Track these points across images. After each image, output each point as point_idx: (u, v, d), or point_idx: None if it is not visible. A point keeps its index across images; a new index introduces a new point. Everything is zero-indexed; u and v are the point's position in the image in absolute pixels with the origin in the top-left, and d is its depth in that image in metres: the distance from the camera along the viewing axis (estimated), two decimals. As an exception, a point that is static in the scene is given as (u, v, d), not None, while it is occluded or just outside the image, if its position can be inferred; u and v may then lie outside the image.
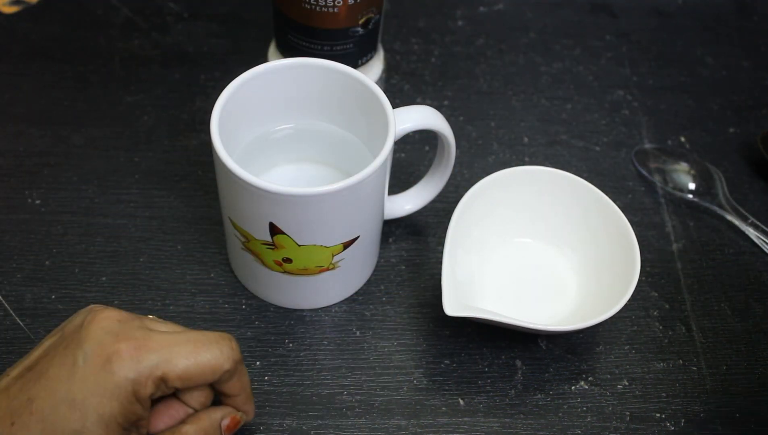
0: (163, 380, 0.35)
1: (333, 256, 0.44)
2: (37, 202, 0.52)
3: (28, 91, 0.59)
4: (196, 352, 0.35)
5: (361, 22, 0.51)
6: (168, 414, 0.37)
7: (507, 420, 0.45)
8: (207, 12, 0.66)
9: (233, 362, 0.37)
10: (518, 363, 0.47)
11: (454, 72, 0.64)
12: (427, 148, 0.58)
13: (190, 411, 0.38)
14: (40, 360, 0.35)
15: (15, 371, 0.35)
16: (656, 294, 0.51)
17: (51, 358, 0.34)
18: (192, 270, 0.50)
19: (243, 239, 0.44)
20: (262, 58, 0.59)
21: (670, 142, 0.61)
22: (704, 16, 0.71)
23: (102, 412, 0.33)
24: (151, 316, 0.39)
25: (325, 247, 0.43)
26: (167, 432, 0.37)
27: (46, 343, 0.36)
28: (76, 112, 0.58)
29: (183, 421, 0.37)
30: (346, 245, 0.44)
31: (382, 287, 0.50)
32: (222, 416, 0.38)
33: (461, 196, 0.48)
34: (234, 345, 0.37)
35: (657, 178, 0.57)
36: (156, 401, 0.37)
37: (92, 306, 0.37)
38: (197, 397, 0.38)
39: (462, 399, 0.45)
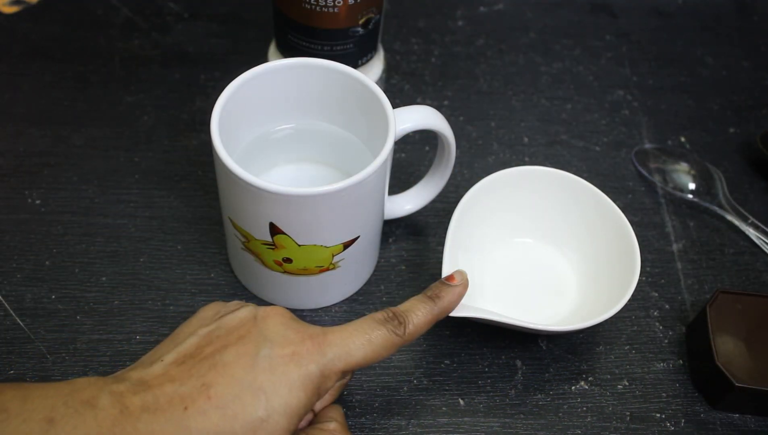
0: (343, 371, 0.36)
1: (333, 256, 0.44)
2: (37, 202, 0.52)
3: (28, 91, 0.59)
4: (368, 339, 0.37)
5: (361, 22, 0.51)
6: None
7: (507, 420, 0.45)
8: (207, 12, 0.66)
9: (404, 340, 0.38)
10: (518, 363, 0.47)
11: (454, 72, 0.64)
12: (427, 148, 0.58)
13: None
14: (204, 348, 0.35)
15: (170, 357, 0.35)
16: (656, 294, 0.51)
17: (223, 347, 0.35)
18: (192, 270, 0.50)
19: (243, 239, 0.44)
20: (262, 58, 0.59)
21: (670, 142, 0.61)
22: (704, 16, 0.71)
23: (290, 402, 0.34)
24: None
25: (325, 247, 0.43)
26: (314, 430, 0.38)
27: (200, 331, 0.36)
28: (76, 112, 0.58)
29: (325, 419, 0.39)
30: (346, 245, 0.44)
31: (382, 287, 0.50)
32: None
33: (461, 196, 0.48)
34: (398, 323, 0.38)
35: (657, 178, 0.57)
36: None
37: (239, 302, 0.39)
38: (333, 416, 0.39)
39: (462, 399, 0.45)
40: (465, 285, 0.41)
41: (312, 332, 0.36)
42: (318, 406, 0.39)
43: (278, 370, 0.34)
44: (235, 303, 0.39)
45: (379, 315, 0.38)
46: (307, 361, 0.35)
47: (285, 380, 0.34)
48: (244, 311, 0.37)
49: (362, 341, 0.36)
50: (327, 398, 0.39)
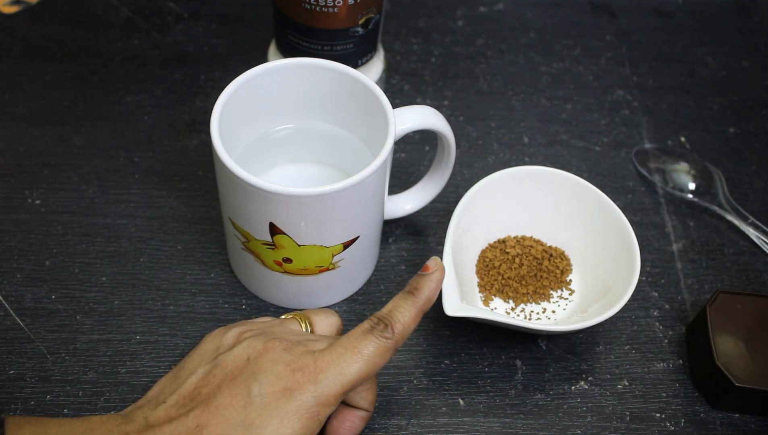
0: (342, 393, 0.36)
1: (333, 256, 0.44)
2: (37, 202, 0.52)
3: (28, 91, 0.59)
4: (359, 353, 0.37)
5: (361, 22, 0.51)
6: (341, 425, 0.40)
7: (507, 420, 0.45)
8: (207, 12, 0.66)
9: (396, 342, 0.38)
10: (518, 363, 0.47)
11: (454, 72, 0.64)
12: (427, 148, 0.58)
13: (362, 413, 0.40)
14: (201, 389, 0.36)
15: (172, 399, 0.37)
16: (656, 294, 0.51)
17: (216, 389, 0.36)
18: (192, 270, 0.50)
19: (243, 239, 0.44)
20: (262, 58, 0.59)
21: (670, 142, 0.61)
22: (704, 16, 0.71)
23: (282, 432, 0.35)
24: (295, 324, 0.41)
25: (325, 247, 0.43)
26: None
27: (199, 370, 0.37)
28: (76, 112, 0.58)
29: None
30: (346, 245, 0.44)
31: (382, 287, 0.50)
32: None
33: (461, 196, 0.48)
34: (390, 330, 0.38)
35: (657, 178, 0.57)
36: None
37: (241, 330, 0.39)
38: (365, 397, 0.40)
39: (462, 399, 0.45)
40: (441, 270, 0.40)
41: (303, 363, 0.36)
42: (366, 404, 0.40)
43: (270, 406, 0.35)
44: (234, 333, 0.39)
45: (365, 325, 0.38)
46: (299, 392, 0.35)
47: (276, 413, 0.35)
48: (240, 349, 0.37)
49: (353, 357, 0.36)
50: (370, 398, 0.40)
